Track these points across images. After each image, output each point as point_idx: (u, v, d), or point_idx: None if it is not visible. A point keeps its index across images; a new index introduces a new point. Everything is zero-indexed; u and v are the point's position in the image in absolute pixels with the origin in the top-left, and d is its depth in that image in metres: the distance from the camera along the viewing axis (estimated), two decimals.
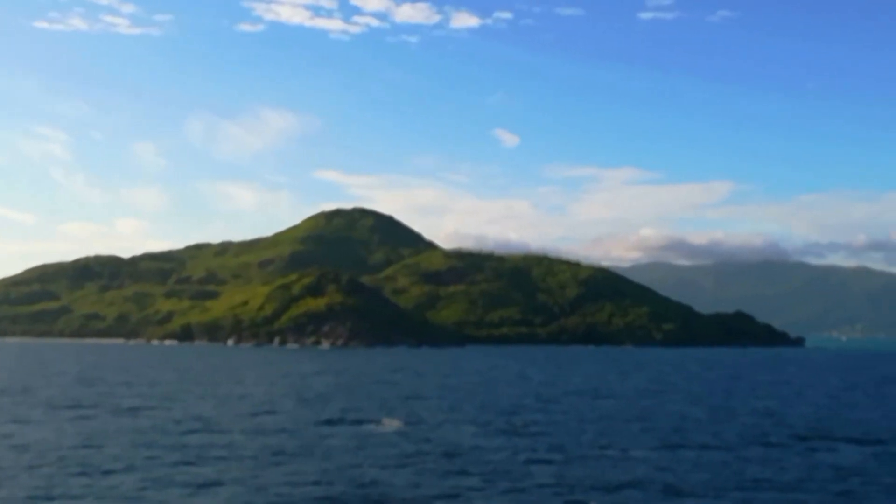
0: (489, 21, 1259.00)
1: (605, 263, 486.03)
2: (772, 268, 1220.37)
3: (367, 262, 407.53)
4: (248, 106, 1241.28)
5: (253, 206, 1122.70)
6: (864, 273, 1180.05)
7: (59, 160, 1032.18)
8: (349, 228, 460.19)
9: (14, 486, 37.97)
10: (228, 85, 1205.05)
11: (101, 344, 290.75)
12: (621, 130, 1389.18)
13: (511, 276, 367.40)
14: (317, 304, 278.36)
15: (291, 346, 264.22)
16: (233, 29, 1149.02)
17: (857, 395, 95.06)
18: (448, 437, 54.93)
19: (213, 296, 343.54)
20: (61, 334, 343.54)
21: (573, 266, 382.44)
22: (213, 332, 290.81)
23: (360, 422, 62.35)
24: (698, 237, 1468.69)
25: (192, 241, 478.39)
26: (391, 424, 60.55)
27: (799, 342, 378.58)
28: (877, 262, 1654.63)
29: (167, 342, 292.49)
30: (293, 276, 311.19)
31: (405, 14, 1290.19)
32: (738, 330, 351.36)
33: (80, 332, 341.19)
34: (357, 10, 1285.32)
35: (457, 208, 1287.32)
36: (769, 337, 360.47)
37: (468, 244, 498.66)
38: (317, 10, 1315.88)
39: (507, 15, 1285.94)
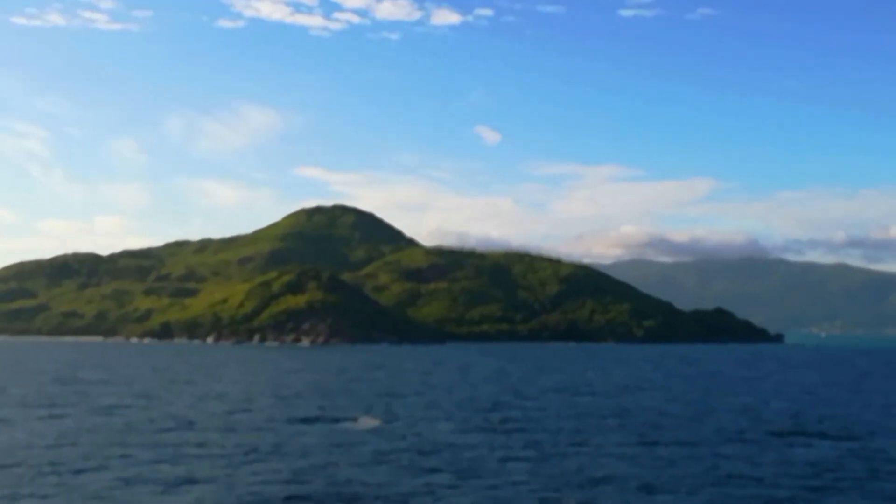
0: (470, 18, 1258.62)
1: (586, 260, 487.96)
2: (752, 265, 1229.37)
3: (348, 260, 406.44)
4: (228, 102, 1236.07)
5: (233, 204, 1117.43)
6: (843, 270, 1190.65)
7: (38, 157, 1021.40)
8: (330, 226, 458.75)
9: None
10: (208, 81, 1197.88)
11: (80, 342, 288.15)
12: (603, 127, 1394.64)
13: (492, 273, 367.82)
14: (297, 301, 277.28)
15: (271, 343, 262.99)
16: (213, 25, 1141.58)
17: (835, 392, 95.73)
18: (424, 434, 54.72)
19: (192, 293, 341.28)
20: (39, 332, 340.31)
21: (554, 263, 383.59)
22: (193, 329, 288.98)
23: (336, 420, 62.02)
24: (679, 234, 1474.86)
25: (171, 239, 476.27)
26: (367, 422, 60.25)
27: (778, 339, 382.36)
28: (855, 259, 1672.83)
29: (146, 340, 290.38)
30: (273, 274, 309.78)
31: (386, 11, 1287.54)
32: (718, 327, 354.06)
33: (58, 330, 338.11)
34: (337, 7, 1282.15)
35: (438, 205, 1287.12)
36: (749, 333, 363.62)
37: (450, 241, 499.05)
38: (297, 7, 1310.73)
39: (487, 12, 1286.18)
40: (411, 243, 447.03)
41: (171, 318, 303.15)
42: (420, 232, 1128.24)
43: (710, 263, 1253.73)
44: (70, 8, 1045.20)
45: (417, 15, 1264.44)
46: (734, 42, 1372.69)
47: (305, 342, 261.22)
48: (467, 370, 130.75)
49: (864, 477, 41.75)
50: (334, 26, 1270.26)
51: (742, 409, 73.26)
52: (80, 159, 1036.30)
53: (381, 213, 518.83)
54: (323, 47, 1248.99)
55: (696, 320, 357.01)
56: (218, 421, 61.17)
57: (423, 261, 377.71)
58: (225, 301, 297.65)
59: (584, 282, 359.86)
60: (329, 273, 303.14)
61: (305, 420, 61.66)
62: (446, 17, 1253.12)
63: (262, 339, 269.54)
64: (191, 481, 39.21)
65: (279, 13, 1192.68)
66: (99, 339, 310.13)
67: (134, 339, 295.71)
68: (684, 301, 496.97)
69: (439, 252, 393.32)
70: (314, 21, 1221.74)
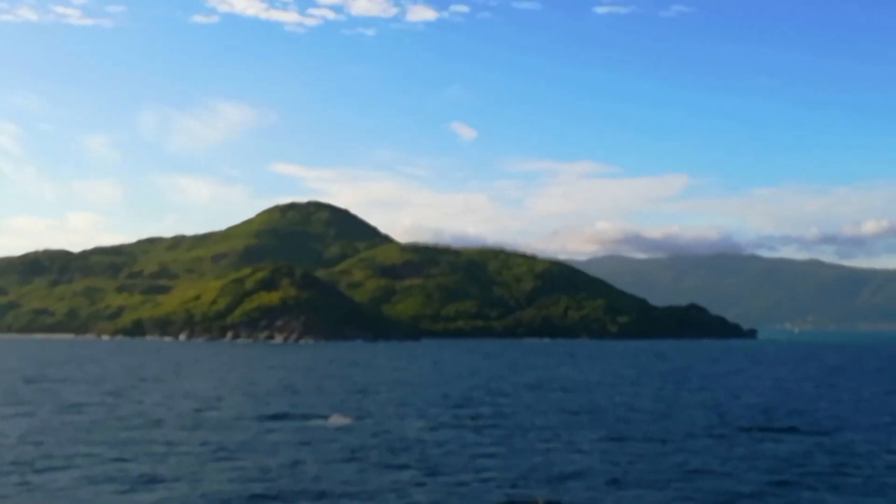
0: (446, 14, 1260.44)
1: (561, 257, 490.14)
2: (726, 261, 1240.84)
3: (323, 256, 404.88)
4: (202, 98, 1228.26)
5: (208, 200, 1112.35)
6: (815, 266, 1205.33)
7: (9, 153, 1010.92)
8: (304, 222, 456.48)
9: None
10: (182, 77, 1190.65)
11: (50, 339, 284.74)
12: (578, 124, 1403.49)
13: (467, 269, 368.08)
14: (270, 298, 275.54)
15: (244, 341, 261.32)
16: (187, 20, 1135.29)
17: (805, 387, 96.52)
18: (394, 431, 54.48)
19: (164, 290, 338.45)
20: (9, 330, 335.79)
21: (529, 259, 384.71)
22: (165, 326, 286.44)
23: (306, 417, 61.58)
24: (654, 230, 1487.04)
25: (144, 236, 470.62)
26: (338, 420, 59.87)
27: (751, 334, 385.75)
28: (828, 255, 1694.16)
29: (118, 338, 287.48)
30: (247, 271, 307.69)
31: (361, 7, 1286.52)
32: (691, 322, 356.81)
33: (28, 328, 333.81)
34: (313, 3, 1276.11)
35: (414, 202, 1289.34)
36: (722, 329, 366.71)
37: (426, 238, 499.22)
38: (272, 2, 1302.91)
39: (463, 8, 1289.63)
40: (386, 240, 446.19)
41: (143, 315, 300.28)
42: (395, 229, 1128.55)
43: (684, 259, 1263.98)
44: (42, 3, 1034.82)
45: (393, 11, 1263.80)
46: (709, 39, 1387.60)
47: (279, 339, 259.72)
48: (440, 367, 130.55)
49: (830, 472, 42.08)
50: (309, 22, 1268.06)
51: (712, 405, 73.69)
52: (52, 155, 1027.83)
53: (356, 210, 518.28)
54: (298, 43, 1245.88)
55: (669, 316, 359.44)
56: (186, 419, 60.54)
57: (398, 257, 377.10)
58: (198, 298, 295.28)
59: (559, 278, 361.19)
60: (303, 270, 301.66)
61: (275, 417, 61.16)
62: (422, 14, 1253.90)
63: (236, 337, 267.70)
64: (156, 480, 38.80)
65: (254, 9, 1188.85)
66: (70, 336, 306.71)
67: (105, 337, 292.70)
68: (658, 297, 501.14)
69: (414, 249, 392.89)
70: (289, 17, 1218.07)
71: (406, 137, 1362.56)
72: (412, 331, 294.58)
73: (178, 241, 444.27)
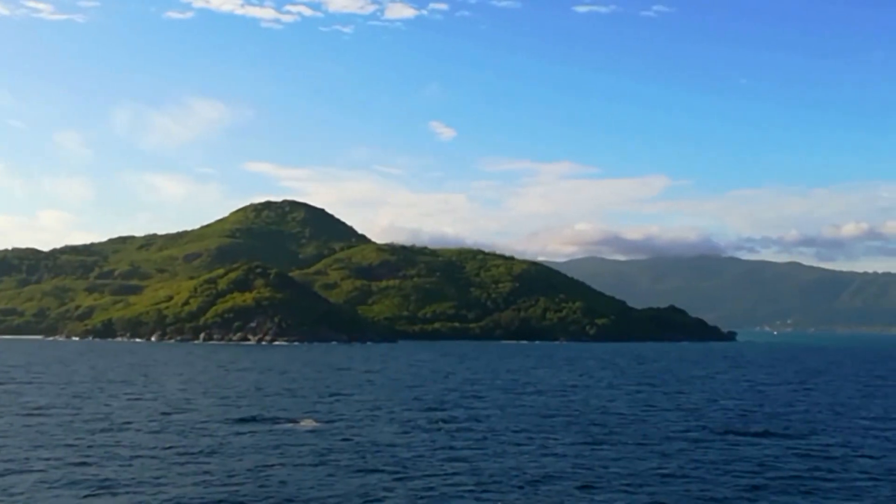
0: (425, 12, 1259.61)
1: (541, 258, 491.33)
2: (705, 262, 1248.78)
3: (298, 256, 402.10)
4: (176, 95, 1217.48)
5: (181, 199, 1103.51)
6: (795, 268, 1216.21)
7: None
8: (279, 221, 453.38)
9: None
10: (156, 74, 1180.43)
11: (18, 340, 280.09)
12: (558, 124, 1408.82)
13: (444, 270, 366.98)
14: (244, 299, 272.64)
15: (217, 342, 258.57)
16: (161, 16, 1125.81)
17: (782, 390, 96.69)
18: (366, 435, 53.56)
19: (136, 290, 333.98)
20: None
21: (507, 261, 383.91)
22: (136, 328, 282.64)
23: (276, 420, 60.45)
24: (633, 232, 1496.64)
25: (117, 234, 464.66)
26: (308, 423, 58.83)
27: (731, 336, 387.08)
28: (807, 258, 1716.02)
29: (88, 339, 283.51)
30: (220, 271, 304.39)
31: (339, 3, 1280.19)
32: (671, 324, 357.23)
33: None
34: None
35: (392, 201, 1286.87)
36: (701, 331, 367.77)
37: (403, 238, 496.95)
38: None
39: (442, 6, 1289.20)
40: (363, 240, 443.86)
41: (113, 316, 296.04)
42: (372, 229, 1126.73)
43: (664, 261, 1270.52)
44: None
45: (371, 8, 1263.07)
46: (689, 40, 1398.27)
47: (253, 341, 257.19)
48: (416, 369, 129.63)
49: (804, 476, 41.76)
50: (286, 19, 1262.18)
51: (689, 408, 73.45)
52: (22, 153, 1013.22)
53: (332, 210, 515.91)
54: (274, 40, 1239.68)
55: (649, 318, 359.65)
56: (153, 422, 59.34)
57: (375, 258, 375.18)
58: (170, 299, 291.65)
59: (538, 279, 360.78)
60: (277, 270, 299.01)
61: (244, 421, 60.02)
62: (400, 12, 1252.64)
63: (208, 338, 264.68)
64: (117, 484, 37.96)
65: (229, 4, 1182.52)
66: (39, 337, 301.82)
67: (75, 338, 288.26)
68: (638, 299, 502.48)
69: (391, 249, 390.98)
70: (265, 13, 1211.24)
71: (384, 136, 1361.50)
72: (389, 332, 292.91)
73: (150, 241, 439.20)
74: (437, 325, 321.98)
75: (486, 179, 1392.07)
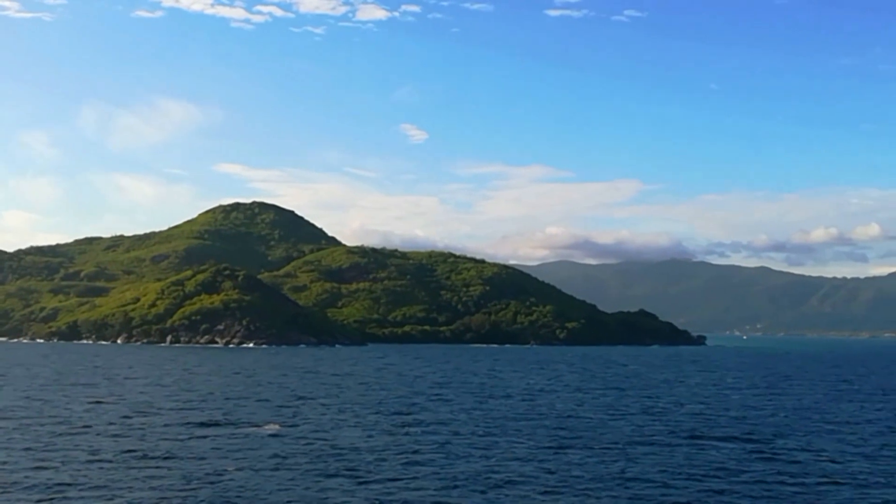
0: (397, 14, 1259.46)
1: (512, 262, 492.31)
2: (676, 267, 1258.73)
3: (267, 259, 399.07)
4: (145, 96, 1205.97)
5: (150, 200, 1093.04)
6: (764, 273, 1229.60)
7: None
8: (248, 223, 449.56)
9: None
10: (124, 73, 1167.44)
11: None
12: (530, 128, 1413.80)
13: (415, 273, 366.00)
14: (212, 301, 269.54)
15: (184, 345, 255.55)
16: (129, 15, 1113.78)
17: (749, 394, 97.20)
18: (329, 438, 52.89)
19: (102, 292, 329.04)
20: None
21: (478, 264, 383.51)
22: (102, 330, 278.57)
23: (239, 424, 59.54)
24: (605, 236, 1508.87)
25: (84, 236, 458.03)
26: (271, 427, 57.99)
27: (700, 340, 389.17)
28: (777, 263, 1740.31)
29: (52, 341, 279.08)
30: (187, 273, 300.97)
31: (310, 4, 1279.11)
32: (641, 328, 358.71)
33: None
34: None
35: (362, 204, 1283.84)
36: (671, 335, 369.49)
37: (374, 241, 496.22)
38: None
39: (415, 8, 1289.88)
40: (333, 242, 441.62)
41: (79, 317, 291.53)
42: (343, 231, 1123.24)
43: (635, 265, 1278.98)
44: None
45: (343, 10, 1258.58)
46: (661, 44, 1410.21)
47: (220, 344, 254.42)
48: (384, 373, 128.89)
49: (768, 480, 41.79)
50: (256, 19, 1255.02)
51: (656, 412, 73.50)
52: None
53: (302, 212, 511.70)
54: (244, 40, 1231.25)
55: (619, 322, 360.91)
56: (114, 425, 58.30)
57: (345, 260, 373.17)
58: (136, 301, 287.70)
59: (508, 283, 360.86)
60: (246, 272, 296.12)
61: (206, 425, 59.05)
62: (372, 13, 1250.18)
63: (175, 341, 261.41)
64: (71, 488, 37.23)
65: (199, 4, 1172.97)
66: (2, 339, 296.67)
67: (39, 340, 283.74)
68: (608, 303, 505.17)
69: (361, 252, 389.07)
70: (235, 13, 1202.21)
71: (355, 139, 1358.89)
72: (358, 335, 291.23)
73: (117, 242, 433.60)
74: (407, 328, 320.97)
75: (458, 182, 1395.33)
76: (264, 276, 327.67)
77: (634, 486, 39.44)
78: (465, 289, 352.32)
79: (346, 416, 65.32)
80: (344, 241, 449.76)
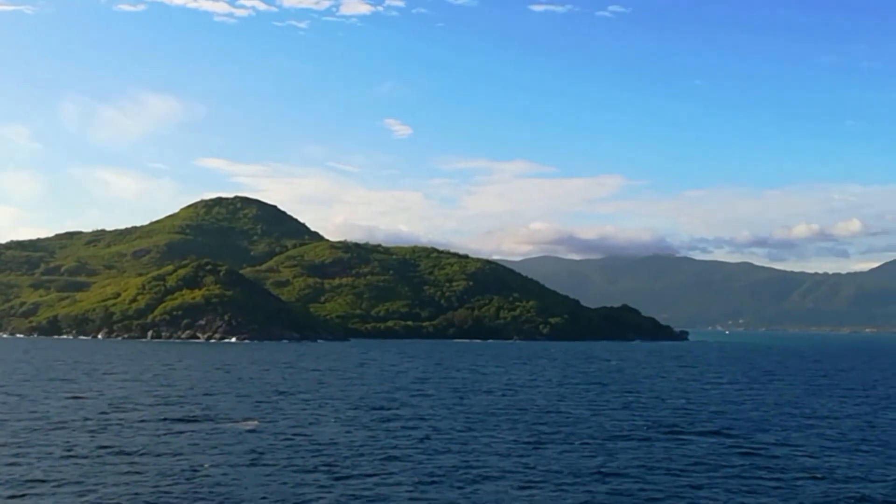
0: (381, 8, 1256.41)
1: (495, 257, 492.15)
2: (659, 262, 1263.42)
3: (249, 254, 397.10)
4: (127, 89, 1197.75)
5: (132, 194, 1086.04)
6: (747, 268, 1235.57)
7: None
8: (230, 218, 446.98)
9: None
10: (107, 67, 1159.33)
11: None
12: (514, 123, 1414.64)
13: (398, 268, 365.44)
14: (193, 296, 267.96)
15: (165, 340, 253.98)
16: (112, 8, 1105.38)
17: (729, 389, 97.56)
18: (308, 434, 52.57)
19: (83, 287, 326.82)
20: None
21: (461, 259, 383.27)
22: (82, 325, 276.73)
23: (217, 420, 59.10)
24: (588, 231, 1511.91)
25: (65, 230, 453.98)
26: (249, 422, 57.59)
27: (683, 336, 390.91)
28: (759, 258, 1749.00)
29: (33, 336, 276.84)
30: (169, 268, 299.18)
31: None
32: (624, 324, 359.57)
33: None
34: None
35: (346, 199, 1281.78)
36: (654, 330, 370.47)
37: (358, 236, 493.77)
38: None
39: (399, 3, 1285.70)
40: (316, 237, 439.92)
41: (59, 312, 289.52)
42: (326, 226, 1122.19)
43: (618, 260, 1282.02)
44: None
45: (326, 4, 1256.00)
46: (644, 40, 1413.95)
47: (202, 339, 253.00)
48: (365, 368, 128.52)
49: (746, 474, 41.86)
50: (240, 13, 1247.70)
51: (636, 407, 73.61)
52: None
53: (285, 207, 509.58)
54: (227, 34, 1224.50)
55: (602, 317, 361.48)
56: (91, 421, 57.73)
57: (328, 255, 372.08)
58: (117, 296, 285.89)
59: (492, 278, 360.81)
60: (228, 267, 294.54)
61: (184, 420, 58.61)
62: (356, 7, 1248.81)
63: (157, 336, 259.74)
64: (44, 483, 36.85)
65: None
66: None
67: (19, 335, 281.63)
68: (591, 298, 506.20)
69: (344, 247, 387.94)
70: (219, 7, 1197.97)
71: (338, 133, 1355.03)
72: (341, 331, 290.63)
73: (98, 237, 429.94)
74: (390, 323, 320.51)
75: (442, 177, 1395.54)
76: (246, 271, 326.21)
77: (612, 480, 39.41)
78: (448, 284, 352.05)
79: (326, 412, 65.00)
80: (327, 237, 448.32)
